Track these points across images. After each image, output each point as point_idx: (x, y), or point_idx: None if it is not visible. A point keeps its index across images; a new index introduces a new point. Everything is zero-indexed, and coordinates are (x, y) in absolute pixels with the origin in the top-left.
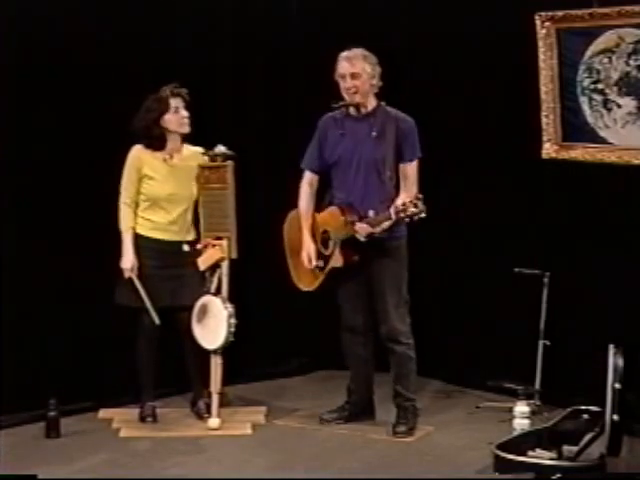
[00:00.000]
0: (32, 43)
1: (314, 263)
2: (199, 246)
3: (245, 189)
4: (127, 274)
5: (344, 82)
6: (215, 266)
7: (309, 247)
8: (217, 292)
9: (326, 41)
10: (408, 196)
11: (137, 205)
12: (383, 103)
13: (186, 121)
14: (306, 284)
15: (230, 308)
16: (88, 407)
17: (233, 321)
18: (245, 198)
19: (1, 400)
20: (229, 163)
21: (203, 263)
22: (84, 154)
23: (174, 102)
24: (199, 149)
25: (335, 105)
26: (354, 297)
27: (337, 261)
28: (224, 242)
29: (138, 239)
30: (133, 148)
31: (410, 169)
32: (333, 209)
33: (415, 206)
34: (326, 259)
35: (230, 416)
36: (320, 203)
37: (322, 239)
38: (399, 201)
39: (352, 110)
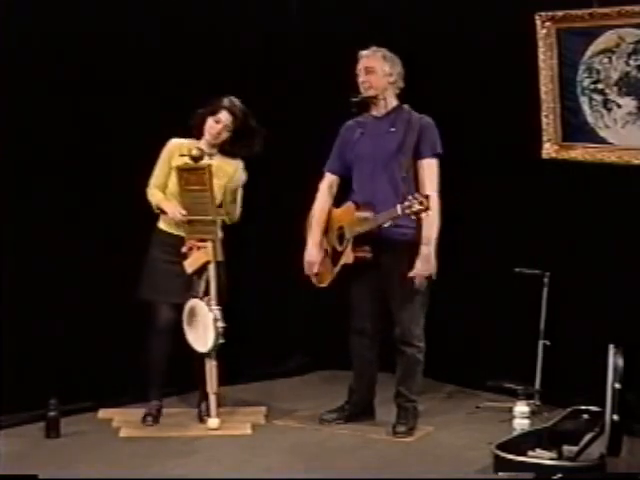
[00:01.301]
0: (32, 43)
1: (314, 271)
2: (184, 249)
3: (245, 188)
4: (180, 216)
5: (359, 77)
6: (202, 268)
7: (311, 254)
8: (204, 295)
9: (326, 41)
10: (432, 205)
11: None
12: (406, 105)
13: (213, 133)
14: (320, 280)
15: (216, 311)
16: (88, 407)
17: (220, 324)
18: (246, 197)
19: (1, 400)
20: (207, 165)
21: (190, 266)
22: (85, 153)
23: (222, 115)
24: (237, 162)
25: (354, 99)
26: (367, 300)
27: (348, 257)
28: (209, 244)
29: (157, 234)
30: (169, 141)
31: (427, 165)
32: (348, 204)
33: (420, 204)
34: (340, 255)
35: (230, 416)
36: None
37: (338, 235)
38: (409, 197)
39: (373, 109)
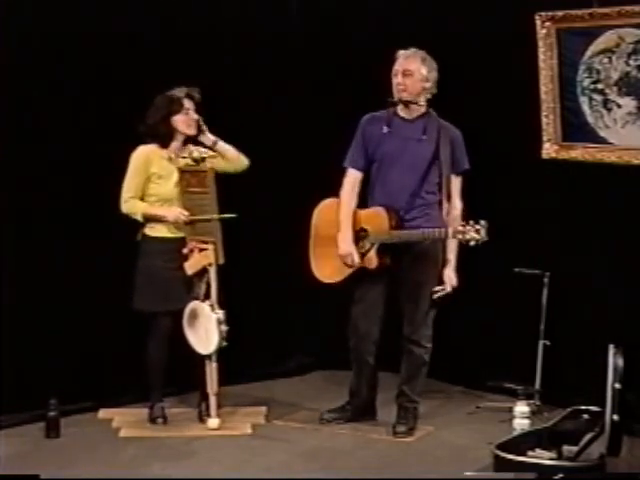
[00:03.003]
0: (32, 43)
1: (355, 262)
2: (185, 250)
3: (245, 189)
4: (182, 217)
5: (395, 78)
6: (203, 271)
7: (351, 250)
8: (206, 297)
9: (326, 41)
10: (450, 212)
11: None
12: (433, 111)
13: (194, 124)
14: (327, 276)
15: (220, 314)
16: (88, 407)
17: (224, 327)
18: (245, 198)
19: (1, 400)
20: (209, 167)
21: (190, 268)
22: (85, 153)
23: (187, 104)
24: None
25: (389, 100)
26: (372, 305)
27: (371, 262)
28: (210, 247)
29: (151, 242)
30: (139, 149)
31: (457, 181)
32: (379, 210)
33: (477, 232)
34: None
35: (230, 416)
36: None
37: (357, 236)
38: (459, 223)
39: (401, 110)
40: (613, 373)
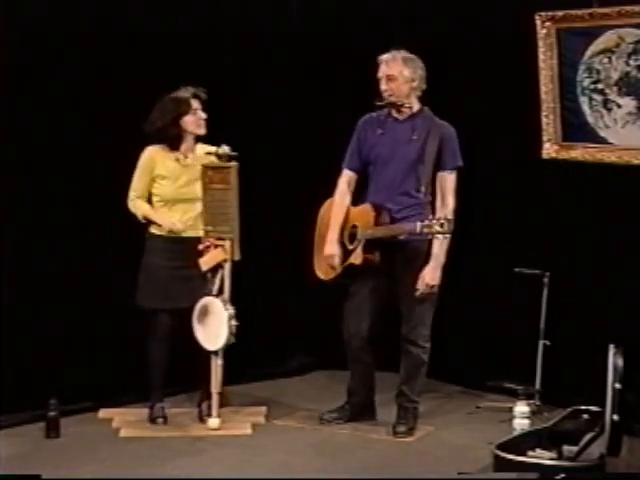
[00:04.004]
0: (32, 43)
1: (335, 264)
2: (201, 247)
3: (245, 189)
4: (178, 226)
5: (381, 84)
6: (217, 267)
7: (333, 251)
8: (219, 293)
9: (326, 41)
10: (442, 210)
11: (152, 206)
12: (426, 108)
13: (204, 123)
14: (322, 273)
15: (231, 310)
16: (88, 407)
17: (234, 323)
18: (246, 198)
19: (1, 400)
20: (233, 164)
21: (205, 264)
22: (86, 153)
23: (194, 104)
24: (212, 148)
25: (379, 103)
26: (366, 304)
27: (357, 258)
28: (227, 243)
29: (153, 240)
30: (146, 149)
31: (449, 179)
32: (367, 206)
33: (441, 226)
34: (348, 254)
35: (230, 416)
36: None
37: (350, 233)
38: (430, 217)
39: (394, 112)
40: (613, 373)
